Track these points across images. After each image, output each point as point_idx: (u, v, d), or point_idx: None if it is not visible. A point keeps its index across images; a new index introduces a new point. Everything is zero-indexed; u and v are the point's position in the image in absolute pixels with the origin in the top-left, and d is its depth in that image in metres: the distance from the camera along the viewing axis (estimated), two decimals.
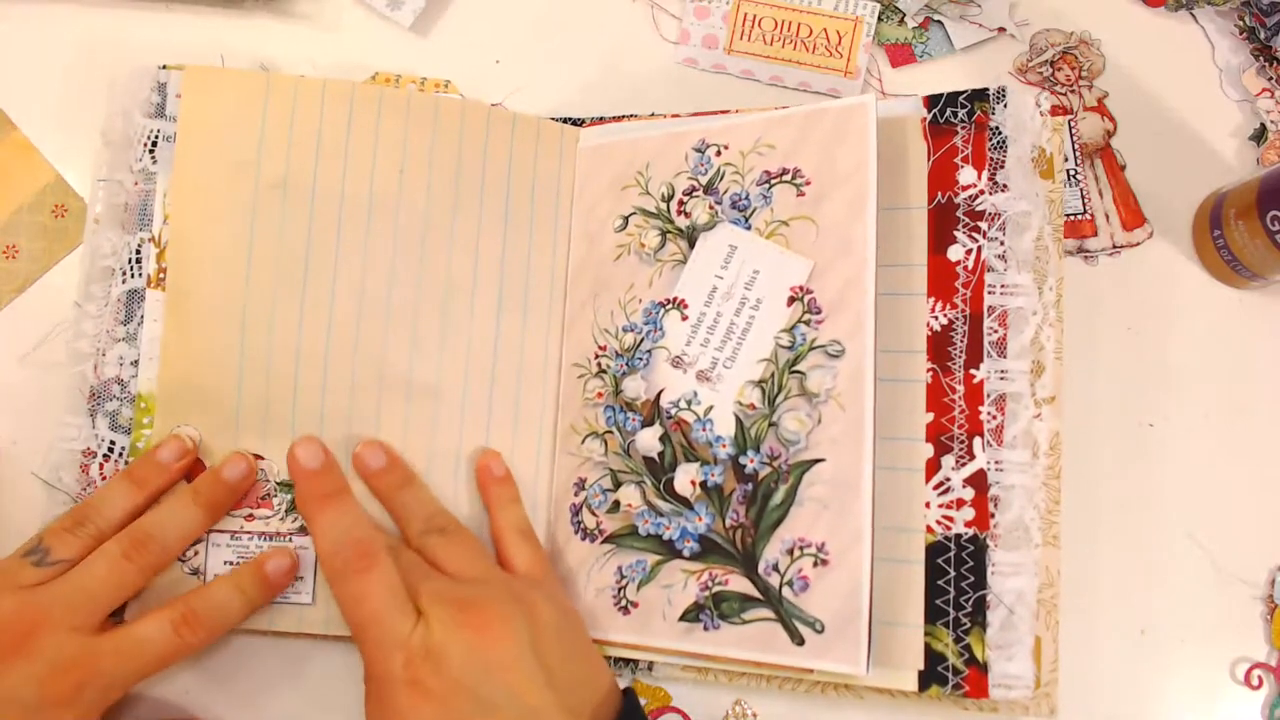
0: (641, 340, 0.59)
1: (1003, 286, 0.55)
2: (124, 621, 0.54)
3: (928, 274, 0.56)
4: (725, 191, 0.59)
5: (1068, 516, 0.58)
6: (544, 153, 0.64)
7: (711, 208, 0.60)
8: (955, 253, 0.55)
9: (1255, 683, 0.60)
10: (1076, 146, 0.67)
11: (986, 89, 0.57)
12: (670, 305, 0.59)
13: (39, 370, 0.63)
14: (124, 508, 0.55)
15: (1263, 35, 0.68)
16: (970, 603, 0.52)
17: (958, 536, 0.53)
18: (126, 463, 0.59)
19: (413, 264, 0.60)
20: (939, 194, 0.56)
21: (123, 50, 0.67)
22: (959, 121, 0.57)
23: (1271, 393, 0.64)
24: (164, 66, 0.62)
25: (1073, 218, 0.65)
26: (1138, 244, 0.66)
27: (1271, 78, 0.68)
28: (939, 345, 0.55)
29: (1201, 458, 0.63)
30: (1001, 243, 0.55)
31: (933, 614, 0.53)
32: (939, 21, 0.69)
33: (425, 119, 0.61)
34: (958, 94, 0.57)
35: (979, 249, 0.55)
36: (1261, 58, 0.68)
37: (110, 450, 0.59)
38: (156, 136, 0.61)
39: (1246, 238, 0.61)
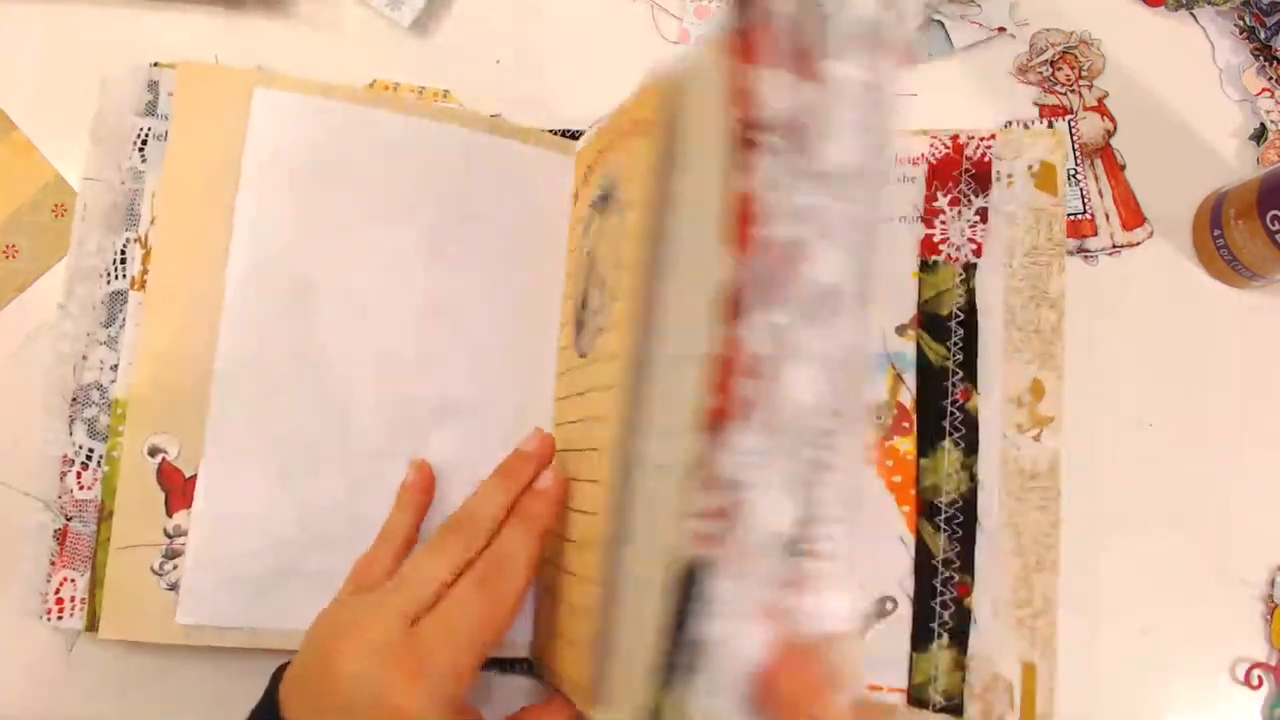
0: None
1: None
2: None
3: None
4: None
5: (1067, 517, 0.58)
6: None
7: None
8: None
9: (1255, 683, 0.60)
10: (1076, 146, 0.67)
11: None
12: None
13: (31, 371, 0.62)
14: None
15: (1263, 35, 0.68)
16: None
17: None
18: (104, 471, 0.57)
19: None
20: None
21: (123, 50, 0.66)
22: None
23: (1271, 393, 0.64)
24: (156, 64, 0.61)
25: (1073, 218, 0.65)
26: (1138, 244, 0.66)
27: (1271, 78, 0.68)
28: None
29: (1201, 458, 0.63)
30: None
31: None
32: (939, 21, 0.69)
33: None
34: None
35: None
36: (1261, 58, 0.68)
37: (89, 458, 0.57)
38: (147, 135, 0.60)
39: (1246, 238, 0.61)
